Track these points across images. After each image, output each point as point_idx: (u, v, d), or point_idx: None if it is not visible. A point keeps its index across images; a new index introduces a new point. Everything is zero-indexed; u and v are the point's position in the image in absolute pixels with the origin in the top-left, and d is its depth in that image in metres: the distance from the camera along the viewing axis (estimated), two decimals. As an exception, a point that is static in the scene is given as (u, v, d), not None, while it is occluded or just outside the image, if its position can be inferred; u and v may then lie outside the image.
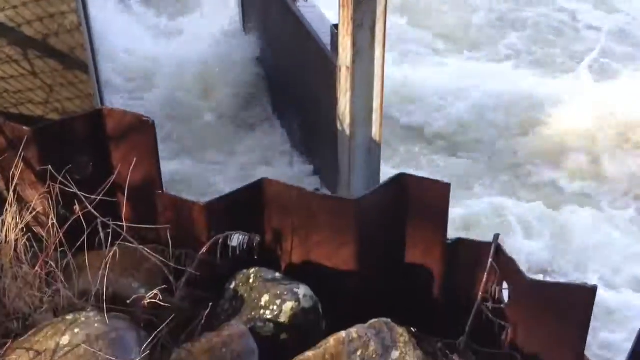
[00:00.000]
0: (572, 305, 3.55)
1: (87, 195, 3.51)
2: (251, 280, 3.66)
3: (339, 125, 5.47)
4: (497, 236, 3.88)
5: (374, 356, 3.29)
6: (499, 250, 3.78)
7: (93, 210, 3.45)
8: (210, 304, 3.45)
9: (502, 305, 3.73)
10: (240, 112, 8.74)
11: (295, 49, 6.89)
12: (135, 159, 3.79)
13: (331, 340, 3.28)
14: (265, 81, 8.76)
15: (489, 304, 3.73)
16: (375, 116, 5.23)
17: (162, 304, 3.28)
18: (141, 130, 3.89)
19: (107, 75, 8.26)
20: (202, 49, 9.61)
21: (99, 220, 3.49)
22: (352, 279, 3.80)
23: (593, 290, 3.49)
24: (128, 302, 3.32)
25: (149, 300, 3.27)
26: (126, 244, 3.52)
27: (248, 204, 3.85)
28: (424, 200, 3.85)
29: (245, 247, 3.79)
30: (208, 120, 8.61)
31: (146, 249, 3.49)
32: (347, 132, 5.30)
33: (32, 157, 3.82)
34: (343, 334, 3.32)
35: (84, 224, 3.43)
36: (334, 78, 5.43)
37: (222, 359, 3.06)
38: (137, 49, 9.45)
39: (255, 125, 8.40)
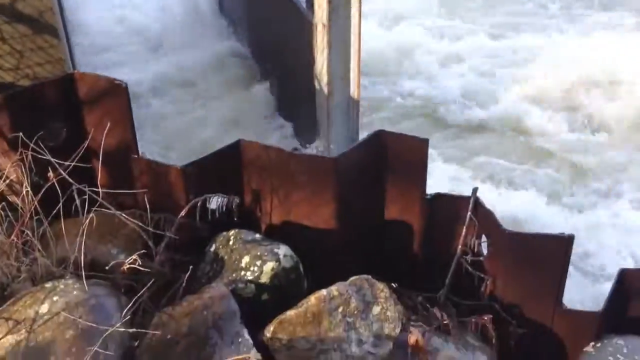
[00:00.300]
0: (549, 255, 3.60)
1: (61, 161, 3.46)
2: (231, 242, 3.65)
3: (316, 84, 5.43)
4: (475, 190, 3.90)
5: (355, 312, 3.32)
6: (477, 203, 3.80)
7: (68, 177, 3.40)
8: (191, 267, 3.45)
9: (481, 258, 3.77)
10: (218, 72, 8.66)
11: (272, 7, 6.79)
12: (109, 124, 3.73)
13: (312, 299, 3.30)
14: (244, 41, 8.65)
15: (468, 257, 3.77)
16: (353, 74, 5.19)
17: (142, 268, 3.27)
18: (114, 94, 3.82)
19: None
20: (179, 12, 9.53)
21: (74, 187, 3.45)
22: (333, 237, 3.80)
23: (569, 239, 3.52)
24: (107, 268, 3.31)
25: (128, 266, 3.26)
26: (103, 210, 3.49)
27: (226, 166, 3.82)
28: (402, 156, 3.84)
29: (224, 209, 3.76)
30: (187, 81, 8.53)
31: (124, 215, 3.46)
32: (325, 90, 5.26)
33: (4, 125, 3.74)
34: (324, 292, 3.34)
35: (59, 191, 3.39)
36: (311, 36, 5.36)
37: (203, 321, 3.07)
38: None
39: (233, 85, 8.32)
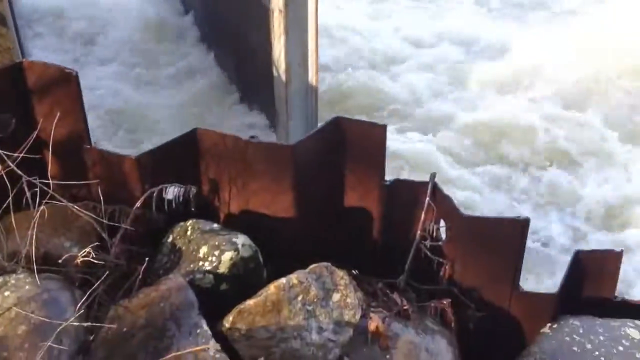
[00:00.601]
0: (506, 238, 3.64)
1: (9, 153, 3.35)
2: (189, 233, 3.60)
3: (274, 71, 5.38)
4: (433, 175, 3.91)
5: (315, 300, 3.30)
6: (436, 188, 3.81)
7: (17, 169, 3.30)
8: (147, 259, 3.38)
9: (439, 243, 3.79)
10: (177, 59, 8.55)
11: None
12: (59, 113, 3.62)
13: (271, 288, 3.27)
14: (202, 27, 8.54)
15: (427, 242, 3.79)
16: (311, 60, 5.15)
17: (96, 261, 3.20)
18: (64, 83, 3.71)
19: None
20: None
21: (24, 179, 3.35)
22: (292, 225, 3.78)
23: (525, 222, 3.57)
24: (60, 261, 3.23)
25: (82, 259, 3.18)
26: (55, 202, 3.39)
27: (182, 155, 3.75)
28: (361, 142, 3.83)
29: (181, 199, 3.70)
30: (144, 66, 8.41)
31: (75, 207, 3.38)
32: (283, 77, 5.22)
33: (-52, 116, 3.62)
34: (283, 280, 3.31)
35: (8, 184, 3.29)
36: (268, 22, 5.30)
37: (160, 313, 3.02)
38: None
39: (191, 73, 8.22)
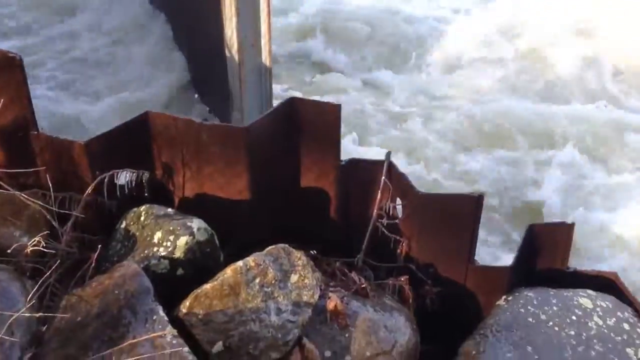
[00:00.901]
0: (461, 214, 3.68)
1: (-48, 142, 3.24)
2: (142, 218, 3.54)
3: (227, 52, 5.30)
4: (388, 154, 3.93)
5: (273, 282, 3.29)
6: (391, 167, 3.83)
7: (-40, 158, 3.19)
8: (100, 246, 3.32)
9: (396, 221, 3.81)
10: (132, 44, 8.40)
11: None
12: (3, 100, 3.50)
13: (228, 271, 3.24)
14: (157, 11, 8.39)
15: (384, 221, 3.81)
16: (264, 41, 5.09)
17: (47, 250, 3.12)
18: (8, 68, 3.58)
19: None
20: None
21: (-32, 169, 3.24)
22: (248, 208, 3.75)
23: (479, 198, 3.61)
24: (9, 251, 3.14)
25: (32, 248, 3.10)
26: (2, 191, 3.29)
27: (134, 139, 3.67)
28: (315, 122, 3.81)
29: (133, 184, 3.63)
30: (103, 51, 8.25)
31: (23, 195, 3.28)
32: (236, 59, 5.15)
33: None
34: (240, 263, 3.29)
35: (-48, 173, 3.18)
36: (220, 4, 5.21)
37: (115, 301, 2.96)
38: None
39: (148, 56, 8.08)
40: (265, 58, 5.09)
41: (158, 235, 3.41)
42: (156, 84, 7.47)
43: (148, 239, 3.42)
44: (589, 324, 3.55)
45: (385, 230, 3.79)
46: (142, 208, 3.58)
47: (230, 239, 3.59)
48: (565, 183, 6.72)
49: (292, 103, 3.81)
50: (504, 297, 3.75)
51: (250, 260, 3.31)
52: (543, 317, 3.59)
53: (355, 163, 3.94)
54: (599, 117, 7.72)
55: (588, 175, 6.92)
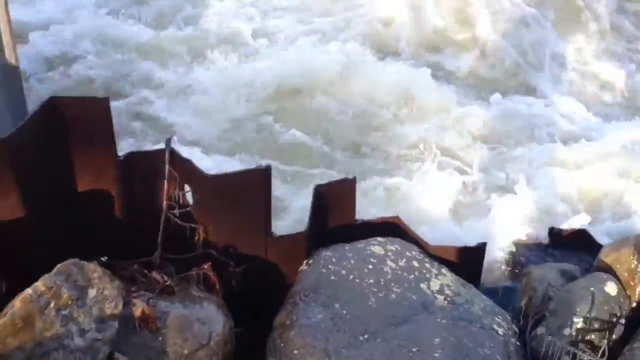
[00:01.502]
0: (252, 189, 3.70)
1: None
2: None
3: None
4: (168, 140, 3.78)
5: (69, 302, 3.06)
6: (174, 154, 3.70)
7: None
8: None
9: (188, 209, 3.72)
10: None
11: None
12: None
13: (17, 303, 2.95)
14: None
15: (176, 211, 3.69)
16: (5, 39, 4.53)
17: None
18: None
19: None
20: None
21: None
22: (22, 228, 3.38)
23: (266, 170, 3.65)
24: None
25: None
26: None
27: None
28: (83, 120, 3.54)
29: None
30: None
31: None
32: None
33: None
34: (29, 291, 3.01)
35: None
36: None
37: None
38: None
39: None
40: (10, 56, 4.54)
41: None
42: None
43: None
44: (385, 269, 3.82)
45: (178, 220, 3.68)
46: None
47: (12, 266, 3.23)
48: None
49: (53, 104, 3.49)
50: (305, 261, 3.87)
51: (40, 284, 3.05)
52: (343, 272, 3.78)
53: (134, 156, 3.76)
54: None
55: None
